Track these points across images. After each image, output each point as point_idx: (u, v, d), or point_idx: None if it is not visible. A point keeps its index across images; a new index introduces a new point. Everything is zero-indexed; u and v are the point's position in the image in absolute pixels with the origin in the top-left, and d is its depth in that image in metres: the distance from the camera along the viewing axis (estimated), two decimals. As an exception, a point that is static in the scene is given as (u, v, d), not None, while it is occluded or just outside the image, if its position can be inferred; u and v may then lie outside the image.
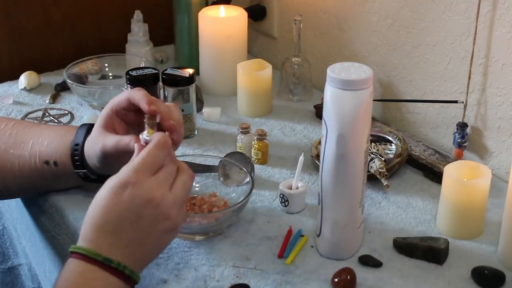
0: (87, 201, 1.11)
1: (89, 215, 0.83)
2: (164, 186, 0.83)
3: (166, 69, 1.30)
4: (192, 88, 1.29)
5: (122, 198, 0.81)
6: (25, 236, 1.31)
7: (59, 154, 1.03)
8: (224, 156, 1.18)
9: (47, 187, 1.13)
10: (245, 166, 1.13)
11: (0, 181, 1.07)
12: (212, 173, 1.17)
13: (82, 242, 0.82)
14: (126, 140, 0.91)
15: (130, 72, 1.28)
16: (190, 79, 1.28)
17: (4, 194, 1.12)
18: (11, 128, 1.08)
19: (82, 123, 1.06)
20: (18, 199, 1.26)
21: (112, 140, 0.94)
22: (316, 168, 1.20)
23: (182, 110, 1.28)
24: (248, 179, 1.09)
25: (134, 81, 1.27)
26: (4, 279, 1.41)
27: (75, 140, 1.02)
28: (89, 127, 1.03)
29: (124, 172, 0.82)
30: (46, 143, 1.04)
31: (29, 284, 1.35)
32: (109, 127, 0.97)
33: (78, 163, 1.02)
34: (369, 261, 0.97)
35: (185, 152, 1.27)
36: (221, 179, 1.15)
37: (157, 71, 1.30)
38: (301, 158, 1.09)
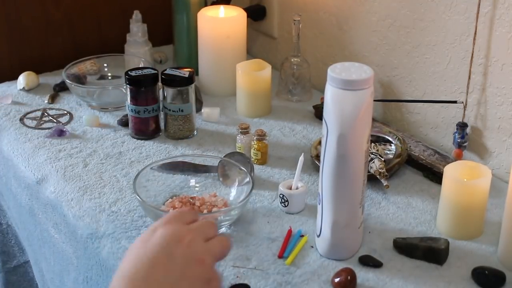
0: (86, 199, 1.12)
1: (119, 268, 0.77)
2: (197, 233, 0.77)
3: (165, 69, 1.30)
4: (191, 88, 1.29)
5: (152, 240, 0.76)
6: (22, 235, 1.31)
7: None
8: (224, 157, 1.18)
9: None
10: (245, 166, 1.13)
11: None
12: (212, 173, 1.16)
13: None
14: None
15: (129, 72, 1.28)
16: (189, 80, 1.28)
17: None
18: None
19: None
20: (16, 199, 1.26)
21: None
22: (316, 168, 1.19)
23: (182, 110, 1.28)
24: (247, 179, 1.09)
25: (134, 81, 1.27)
26: (10, 278, 1.41)
27: None
28: None
29: (157, 220, 0.78)
30: None
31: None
32: None
33: None
34: (369, 261, 0.97)
35: (185, 152, 1.26)
36: (221, 179, 1.15)
37: (156, 71, 1.30)
38: (301, 158, 1.09)
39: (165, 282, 0.74)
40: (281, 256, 0.99)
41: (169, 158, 1.17)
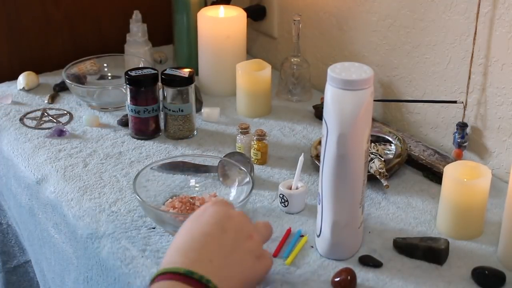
0: (86, 199, 1.12)
1: (171, 244, 0.81)
2: (242, 214, 0.85)
3: (165, 69, 1.30)
4: (191, 89, 1.29)
5: (204, 216, 0.82)
6: (22, 235, 1.31)
7: None
8: (224, 156, 1.18)
9: None
10: (245, 166, 1.13)
11: None
12: (212, 173, 1.16)
13: (164, 266, 0.77)
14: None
15: (129, 72, 1.28)
16: (189, 79, 1.28)
17: None
18: None
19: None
20: (16, 199, 1.26)
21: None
22: (316, 168, 1.19)
23: (181, 110, 1.28)
24: (247, 179, 1.09)
25: (134, 81, 1.27)
26: (10, 278, 1.41)
27: None
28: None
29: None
30: None
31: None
32: None
33: None
34: (369, 261, 0.97)
35: (185, 152, 1.26)
36: (221, 179, 1.15)
37: (156, 71, 1.30)
38: (301, 158, 1.09)
39: (218, 254, 0.78)
40: (276, 255, 0.98)
41: (169, 158, 1.17)
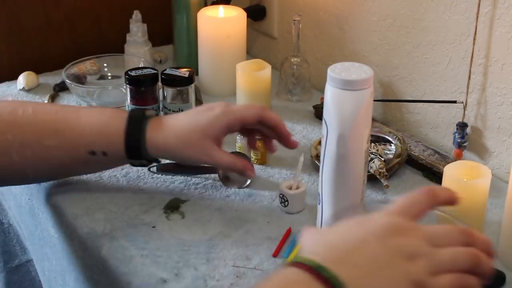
0: (86, 199, 1.12)
1: (322, 236, 0.70)
2: (419, 231, 0.68)
3: (165, 69, 1.30)
4: (191, 88, 1.29)
5: (368, 224, 0.68)
6: (24, 234, 1.31)
7: (108, 144, 1.03)
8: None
9: (88, 172, 1.14)
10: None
11: (32, 171, 1.04)
12: (212, 175, 1.17)
13: (303, 255, 0.67)
14: (245, 166, 1.05)
15: (129, 72, 1.28)
16: (189, 79, 1.28)
17: (30, 180, 1.10)
18: (33, 114, 1.02)
19: (121, 108, 1.02)
20: (16, 199, 1.26)
21: (227, 160, 1.04)
22: (316, 168, 1.19)
23: (181, 110, 1.28)
24: (248, 182, 1.11)
25: (133, 81, 1.27)
26: (11, 278, 1.41)
27: (128, 131, 1.02)
28: (141, 118, 1.03)
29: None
30: (89, 132, 1.02)
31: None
32: (216, 140, 1.02)
33: (134, 153, 1.03)
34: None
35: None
36: (221, 180, 1.15)
37: (156, 71, 1.30)
38: (301, 159, 1.09)
39: (364, 263, 0.65)
40: (276, 255, 0.98)
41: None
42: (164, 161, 1.16)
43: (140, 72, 1.29)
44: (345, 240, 0.67)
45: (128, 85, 1.27)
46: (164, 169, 1.18)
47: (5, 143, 1.01)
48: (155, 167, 1.19)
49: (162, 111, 1.31)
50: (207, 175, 1.17)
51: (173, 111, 1.28)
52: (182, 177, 1.17)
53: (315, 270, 0.63)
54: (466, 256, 0.68)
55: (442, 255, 0.67)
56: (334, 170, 0.92)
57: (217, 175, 1.16)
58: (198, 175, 1.17)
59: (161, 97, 1.30)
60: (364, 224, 0.68)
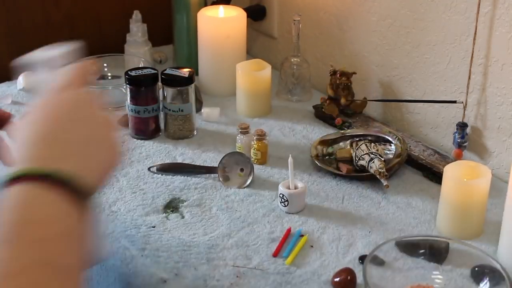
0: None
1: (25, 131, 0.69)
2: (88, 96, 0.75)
3: (165, 69, 1.30)
4: (191, 88, 1.29)
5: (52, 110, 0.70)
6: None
7: None
8: (224, 156, 1.18)
9: None
10: (245, 166, 1.13)
11: None
12: (212, 175, 1.17)
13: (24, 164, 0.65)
14: None
15: (129, 72, 1.28)
16: (189, 79, 1.28)
17: None
18: None
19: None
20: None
21: None
22: (316, 168, 1.19)
23: (181, 110, 1.28)
24: (248, 181, 1.12)
25: (134, 81, 1.27)
26: None
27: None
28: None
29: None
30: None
31: None
32: None
33: None
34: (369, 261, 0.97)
35: (184, 152, 1.26)
36: (221, 180, 1.15)
37: (156, 71, 1.30)
38: (290, 160, 1.09)
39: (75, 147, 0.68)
40: (276, 255, 0.99)
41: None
42: (164, 161, 1.16)
43: (140, 72, 1.29)
44: (44, 131, 0.67)
45: (128, 85, 1.27)
46: (163, 169, 1.19)
47: None
48: (155, 167, 1.19)
49: (162, 111, 1.31)
50: (207, 175, 1.17)
51: (173, 111, 1.28)
52: (182, 177, 1.17)
53: (43, 177, 0.62)
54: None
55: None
56: None
57: (217, 175, 1.16)
58: (198, 175, 1.17)
59: (161, 97, 1.30)
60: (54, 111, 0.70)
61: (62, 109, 0.71)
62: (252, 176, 1.15)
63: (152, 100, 1.29)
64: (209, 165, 1.20)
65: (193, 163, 1.22)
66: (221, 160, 1.17)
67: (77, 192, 0.64)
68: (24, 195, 0.61)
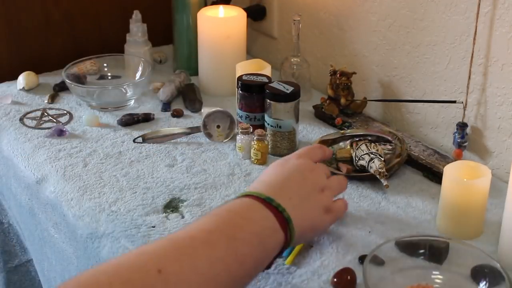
0: (86, 199, 1.12)
1: (256, 181, 0.93)
2: (323, 170, 0.98)
3: (272, 82, 1.25)
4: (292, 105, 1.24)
5: (288, 165, 0.94)
6: (23, 234, 1.31)
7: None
8: (205, 117, 1.28)
9: None
10: (222, 123, 1.28)
11: None
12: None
13: (248, 189, 0.90)
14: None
15: (242, 77, 1.27)
16: (292, 96, 1.22)
17: None
18: None
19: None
20: (16, 198, 1.26)
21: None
22: (315, 168, 1.19)
23: (279, 127, 1.24)
24: (231, 135, 1.28)
25: (245, 87, 1.25)
26: (11, 277, 1.41)
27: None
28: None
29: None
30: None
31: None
32: None
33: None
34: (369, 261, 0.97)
35: (185, 151, 1.26)
36: (205, 135, 1.28)
37: (267, 80, 1.26)
38: None
39: (296, 195, 0.90)
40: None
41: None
42: (150, 133, 1.29)
43: (252, 78, 1.27)
44: (276, 179, 0.92)
45: (240, 90, 1.25)
46: (149, 138, 1.29)
47: None
48: (140, 138, 1.28)
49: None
50: (192, 134, 1.29)
51: (271, 125, 1.24)
52: (181, 178, 1.17)
53: (264, 200, 0.86)
54: (344, 181, 1.02)
55: (333, 183, 0.98)
56: None
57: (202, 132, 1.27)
58: (184, 137, 1.29)
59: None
60: (285, 165, 0.95)
61: (298, 168, 0.95)
62: (234, 130, 1.28)
63: (259, 108, 1.26)
64: (191, 126, 1.32)
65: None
66: (203, 119, 1.28)
67: (281, 217, 0.86)
68: (240, 202, 0.87)
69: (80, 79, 1.48)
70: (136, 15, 1.58)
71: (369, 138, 1.23)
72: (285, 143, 1.25)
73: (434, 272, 0.95)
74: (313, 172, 0.95)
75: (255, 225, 0.83)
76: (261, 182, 0.92)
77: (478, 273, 0.93)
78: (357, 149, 1.19)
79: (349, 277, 0.92)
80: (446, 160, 1.19)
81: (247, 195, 0.88)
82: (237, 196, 0.89)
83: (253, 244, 0.81)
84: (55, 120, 1.38)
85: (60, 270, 1.16)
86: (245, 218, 0.83)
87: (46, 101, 1.46)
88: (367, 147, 1.18)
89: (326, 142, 1.25)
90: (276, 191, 0.88)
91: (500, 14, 1.11)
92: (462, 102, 1.19)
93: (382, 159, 1.16)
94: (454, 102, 1.21)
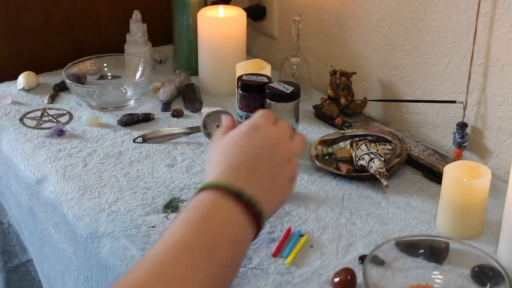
0: (86, 198, 1.12)
1: (221, 156, 0.84)
2: (287, 133, 0.88)
3: (272, 82, 1.25)
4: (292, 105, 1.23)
5: (256, 138, 0.85)
6: (23, 234, 1.31)
7: None
8: (205, 117, 1.27)
9: None
10: (221, 123, 1.22)
11: None
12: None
13: (216, 178, 0.80)
14: None
15: (242, 77, 1.26)
16: (292, 96, 1.22)
17: None
18: None
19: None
20: (16, 198, 1.26)
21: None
22: (316, 168, 1.19)
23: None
24: None
25: (245, 87, 1.24)
26: (11, 277, 1.41)
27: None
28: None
29: (252, 118, 0.88)
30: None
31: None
32: None
33: None
34: (369, 261, 0.97)
35: (184, 151, 1.26)
36: (205, 135, 1.27)
37: (267, 81, 1.25)
38: None
39: (264, 179, 0.83)
40: (275, 255, 0.98)
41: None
42: (150, 133, 1.28)
43: (252, 78, 1.26)
44: (245, 160, 0.83)
45: (240, 90, 1.25)
46: (149, 138, 1.28)
47: None
48: (140, 138, 1.27)
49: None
50: (192, 134, 1.28)
51: None
52: (181, 178, 1.17)
53: (235, 195, 0.78)
54: (304, 138, 0.92)
55: (297, 146, 0.89)
56: None
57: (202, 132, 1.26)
58: (184, 136, 1.29)
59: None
60: (253, 138, 0.85)
61: (266, 142, 0.86)
62: None
63: (259, 109, 1.24)
64: (191, 126, 1.31)
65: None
66: (203, 119, 1.27)
67: (252, 212, 0.78)
68: (210, 200, 0.78)
69: (80, 79, 1.48)
70: (136, 15, 1.58)
71: (369, 138, 1.23)
72: None
73: (434, 272, 0.96)
74: (280, 143, 0.86)
75: (231, 229, 0.77)
76: (228, 164, 0.82)
77: (478, 273, 0.93)
78: (357, 149, 1.19)
79: (349, 277, 0.92)
80: (446, 160, 1.19)
81: (216, 187, 0.79)
82: (204, 185, 0.80)
83: (232, 249, 0.77)
84: (55, 120, 1.38)
85: (60, 270, 1.16)
86: (221, 225, 0.76)
87: (46, 101, 1.46)
88: (367, 147, 1.18)
89: (326, 142, 1.25)
90: (245, 177, 0.81)
91: (500, 14, 1.11)
92: (462, 102, 1.19)
93: (382, 159, 1.16)
94: (454, 102, 1.21)
